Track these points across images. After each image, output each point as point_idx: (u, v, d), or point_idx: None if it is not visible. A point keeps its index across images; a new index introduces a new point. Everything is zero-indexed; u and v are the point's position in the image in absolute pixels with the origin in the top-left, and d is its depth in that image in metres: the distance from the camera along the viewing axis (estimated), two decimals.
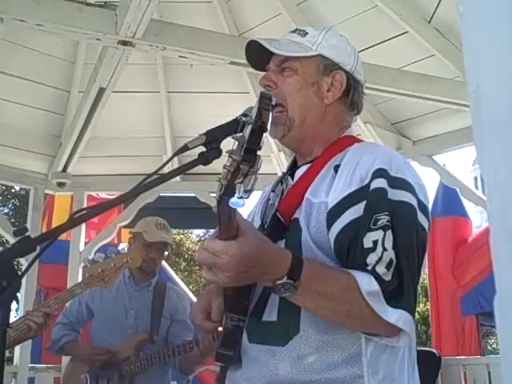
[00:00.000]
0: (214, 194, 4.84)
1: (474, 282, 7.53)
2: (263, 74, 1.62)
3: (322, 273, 1.28)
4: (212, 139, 1.38)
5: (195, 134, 4.81)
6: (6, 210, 18.38)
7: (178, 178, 4.94)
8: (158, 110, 5.06)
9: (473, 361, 5.10)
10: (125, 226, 5.84)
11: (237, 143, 1.12)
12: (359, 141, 1.56)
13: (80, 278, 5.18)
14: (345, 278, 1.27)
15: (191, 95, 5.02)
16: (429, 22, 4.03)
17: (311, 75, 1.54)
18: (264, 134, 1.14)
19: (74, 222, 1.14)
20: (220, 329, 1.47)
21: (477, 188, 16.27)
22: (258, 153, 1.13)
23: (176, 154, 1.36)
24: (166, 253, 3.65)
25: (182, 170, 1.34)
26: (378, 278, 1.26)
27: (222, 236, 1.21)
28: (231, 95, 4.96)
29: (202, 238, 22.51)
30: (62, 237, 8.38)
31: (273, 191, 1.64)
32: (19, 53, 4.58)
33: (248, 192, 1.12)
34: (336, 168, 1.43)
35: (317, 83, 1.54)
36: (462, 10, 0.66)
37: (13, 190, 17.20)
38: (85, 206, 5.40)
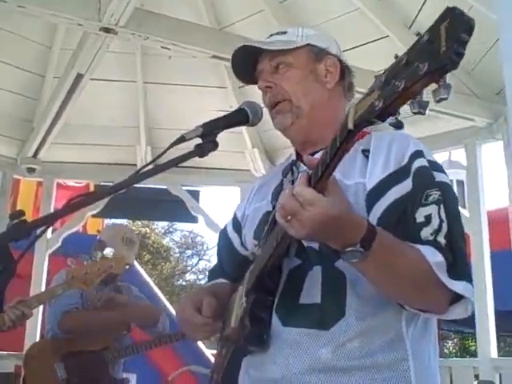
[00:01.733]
0: (185, 188, 4.80)
1: None
2: None
3: (393, 245, 1.25)
4: (208, 132, 1.37)
5: (170, 126, 4.78)
6: None
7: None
8: (133, 100, 5.01)
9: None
10: (93, 215, 5.78)
11: (402, 64, 0.91)
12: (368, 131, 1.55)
13: (45, 266, 5.13)
14: (413, 251, 1.25)
15: (168, 87, 4.98)
16: (409, 28, 4.08)
17: (306, 64, 1.56)
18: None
19: (69, 208, 1.13)
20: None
21: None
22: None
23: (172, 145, 1.35)
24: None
25: (177, 161, 1.33)
26: (440, 248, 1.26)
27: (316, 184, 1.14)
28: (209, 89, 4.95)
29: (168, 231, 22.42)
30: None
31: (285, 177, 1.57)
32: None
33: (440, 101, 0.90)
34: (364, 152, 1.43)
35: (314, 71, 1.56)
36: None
37: None
38: (53, 193, 5.34)
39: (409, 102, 0.93)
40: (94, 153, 5.21)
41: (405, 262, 1.24)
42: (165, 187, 5.39)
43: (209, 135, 1.37)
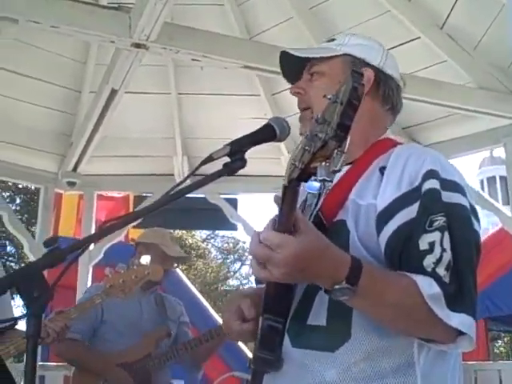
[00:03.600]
0: (223, 196, 4.84)
1: (482, 287, 7.53)
2: None
3: (382, 277, 1.23)
4: (236, 149, 1.37)
5: (205, 135, 4.83)
6: (14, 207, 18.44)
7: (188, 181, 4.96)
8: (168, 111, 5.07)
9: (485, 366, 5.09)
10: (134, 226, 5.86)
11: (316, 125, 1.04)
12: (400, 143, 1.53)
13: (90, 278, 5.22)
14: (405, 282, 1.22)
15: (201, 97, 5.03)
16: (441, 28, 4.03)
17: (338, 74, 1.52)
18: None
19: (102, 232, 1.16)
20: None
21: (483, 191, 16.23)
22: None
23: (200, 165, 1.36)
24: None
25: (206, 180, 1.34)
26: (438, 280, 1.22)
27: (281, 228, 1.15)
28: (242, 97, 4.98)
29: (209, 237, 22.56)
30: (69, 234, 8.41)
31: (323, 180, 1.58)
32: (31, 53, 4.61)
33: (334, 173, 1.03)
34: (381, 170, 1.39)
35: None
36: None
37: (20, 186, 17.19)
38: (94, 205, 5.44)
39: (321, 165, 1.03)
40: (131, 164, 5.30)
41: (396, 296, 1.22)
42: (203, 196, 5.44)
43: (237, 153, 1.38)
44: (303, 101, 1.56)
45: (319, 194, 1.49)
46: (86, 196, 5.41)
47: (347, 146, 1.03)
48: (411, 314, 1.23)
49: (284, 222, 1.16)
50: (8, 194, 18.52)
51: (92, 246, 5.26)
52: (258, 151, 1.46)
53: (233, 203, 5.56)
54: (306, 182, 1.09)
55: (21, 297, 1.01)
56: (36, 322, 1.02)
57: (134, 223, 5.31)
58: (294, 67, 1.61)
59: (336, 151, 1.02)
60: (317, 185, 1.08)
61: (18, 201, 19.05)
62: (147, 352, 3.36)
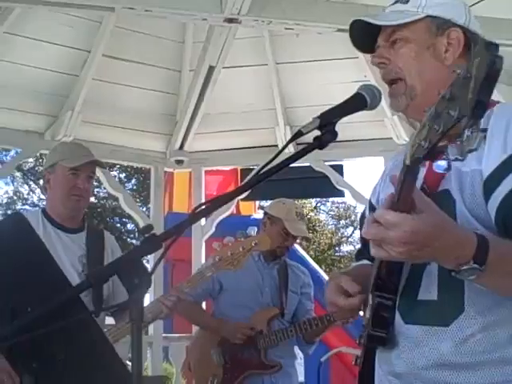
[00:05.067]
0: (328, 163, 4.78)
1: None
2: None
3: (507, 250, 1.19)
4: (326, 122, 1.35)
5: (306, 103, 4.78)
6: (130, 186, 19.30)
7: (291, 149, 4.96)
8: (267, 83, 5.05)
9: None
10: (243, 199, 5.97)
11: (442, 101, 0.99)
12: (497, 102, 1.44)
13: (203, 252, 5.38)
14: None
15: (299, 64, 4.96)
16: None
17: (424, 39, 1.46)
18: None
19: (195, 216, 1.18)
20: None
21: None
22: None
23: (290, 140, 1.35)
24: None
25: (297, 156, 1.33)
26: None
27: (398, 207, 1.12)
28: (340, 61, 4.87)
29: (319, 203, 22.55)
30: (184, 210, 8.69)
31: (455, 159, 1.53)
32: (131, 38, 4.74)
33: (469, 152, 0.99)
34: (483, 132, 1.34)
35: (432, 46, 1.45)
36: None
37: (135, 166, 17.95)
38: (203, 181, 5.57)
39: (452, 145, 1.00)
40: (235, 139, 5.35)
41: None
42: (308, 165, 5.41)
43: (327, 126, 1.35)
44: (390, 71, 1.48)
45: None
46: (195, 173, 5.54)
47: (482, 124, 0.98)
48: None
49: (402, 202, 1.11)
50: (124, 175, 19.40)
51: (203, 221, 5.40)
52: (361, 115, 1.43)
53: (338, 169, 5.51)
54: (431, 161, 1.07)
55: (123, 284, 1.05)
56: (138, 307, 1.06)
57: (242, 196, 5.44)
58: (365, 34, 1.53)
59: (471, 129, 0.97)
60: (444, 164, 1.06)
61: (133, 181, 19.91)
62: (258, 329, 3.41)
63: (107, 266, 1.04)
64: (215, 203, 1.21)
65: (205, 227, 5.38)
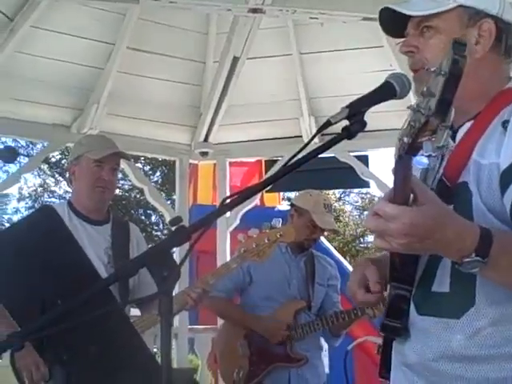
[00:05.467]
0: (353, 154, 4.74)
1: None
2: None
3: None
4: (355, 112, 1.32)
5: (330, 94, 4.74)
6: (155, 178, 19.41)
7: (316, 139, 4.94)
8: (291, 73, 5.02)
9: None
10: (267, 191, 5.95)
11: (422, 98, 1.04)
12: None
13: (228, 244, 5.38)
14: None
15: (324, 54, 4.92)
16: None
17: (455, 30, 1.41)
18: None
19: (223, 209, 1.17)
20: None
21: None
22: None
23: (319, 131, 1.33)
24: None
25: (325, 147, 1.31)
26: None
27: (396, 200, 1.13)
28: (365, 51, 4.82)
29: (343, 194, 22.46)
30: (208, 202, 8.72)
31: (429, 156, 1.52)
32: (155, 30, 4.75)
33: (440, 149, 1.05)
34: (504, 124, 1.30)
35: (463, 37, 1.41)
36: None
37: (160, 159, 18.05)
38: (227, 172, 5.57)
39: (427, 140, 1.03)
40: (260, 130, 5.34)
41: None
42: (333, 155, 5.38)
43: (355, 115, 1.33)
44: (418, 60, 1.45)
45: (442, 156, 1.41)
46: (219, 164, 5.54)
47: (451, 119, 1.02)
48: None
49: (399, 195, 1.13)
50: (149, 167, 19.51)
51: (228, 213, 5.40)
52: (387, 105, 1.40)
53: (364, 160, 5.46)
54: (415, 156, 1.08)
55: (152, 276, 1.05)
56: (167, 300, 1.06)
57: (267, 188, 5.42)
58: (394, 20, 1.48)
59: (439, 126, 1.00)
60: (425, 160, 1.09)
61: (158, 173, 20.02)
62: (285, 322, 3.39)
63: (136, 259, 1.04)
64: (242, 195, 1.20)
65: (229, 219, 5.38)
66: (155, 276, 1.05)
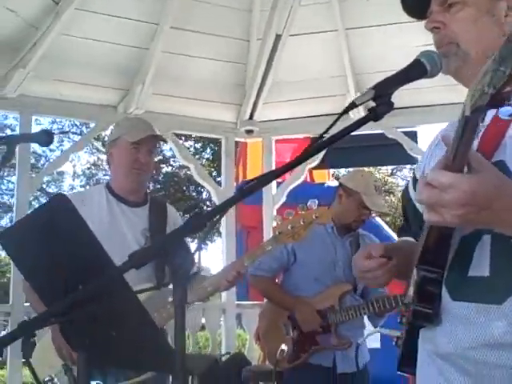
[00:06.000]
0: (401, 130, 4.59)
1: None
2: None
3: None
4: (382, 93, 1.28)
5: (376, 69, 4.62)
6: (206, 156, 19.54)
7: (362, 113, 4.84)
8: (337, 49, 4.94)
9: None
10: (313, 168, 5.91)
11: (507, 42, 0.94)
12: None
13: (273, 220, 5.37)
14: None
15: (370, 29, 4.82)
16: None
17: (484, 3, 1.36)
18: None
19: (241, 194, 1.15)
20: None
21: None
22: None
23: (344, 112, 1.30)
24: None
25: (351, 129, 1.27)
26: None
27: (454, 166, 1.04)
28: (411, 25, 4.66)
29: (396, 169, 22.13)
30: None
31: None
32: (198, 9, 4.73)
33: None
34: None
35: (491, 10, 1.35)
36: None
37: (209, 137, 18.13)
38: (273, 150, 5.54)
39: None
40: (305, 107, 5.28)
41: None
42: (381, 132, 5.28)
43: (382, 96, 1.28)
44: (444, 36, 1.39)
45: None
46: (265, 142, 5.52)
47: None
48: None
49: (458, 161, 1.04)
50: (200, 145, 19.63)
51: (274, 190, 5.39)
52: (435, 79, 1.38)
53: (412, 136, 5.34)
54: (496, 108, 1.01)
55: (167, 265, 1.04)
56: (181, 291, 1.04)
57: (313, 164, 5.37)
58: (418, 1, 1.44)
59: None
60: (510, 109, 1.00)
61: (208, 150, 20.13)
62: (329, 304, 3.36)
63: (149, 248, 1.03)
64: (260, 181, 1.17)
65: (276, 196, 5.38)
66: (169, 265, 1.03)
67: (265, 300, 4.01)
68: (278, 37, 3.94)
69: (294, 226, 2.50)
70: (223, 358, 4.71)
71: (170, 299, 2.38)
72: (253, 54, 5.00)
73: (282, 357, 3.24)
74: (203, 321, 5.31)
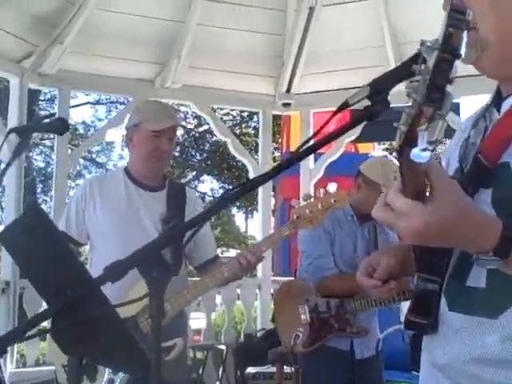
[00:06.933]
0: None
1: None
2: None
3: None
4: (378, 90, 1.20)
5: (418, 38, 4.45)
6: (249, 130, 19.42)
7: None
8: (375, 18, 4.79)
9: None
10: (352, 141, 5.81)
11: (420, 77, 0.92)
12: None
13: (312, 194, 5.32)
14: None
15: None
16: None
17: None
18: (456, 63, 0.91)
19: (248, 185, 1.11)
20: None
21: None
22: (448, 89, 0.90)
23: (337, 111, 1.23)
24: None
25: (347, 128, 1.21)
26: None
27: (407, 192, 1.00)
28: None
29: None
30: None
31: (474, 127, 1.35)
32: None
33: (433, 143, 0.91)
34: None
35: None
36: None
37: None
38: (311, 123, 5.45)
39: (422, 132, 0.90)
40: (343, 78, 5.15)
41: None
42: None
43: (378, 94, 1.21)
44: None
45: (485, 129, 1.26)
46: (302, 115, 5.44)
47: (450, 105, 0.88)
48: None
49: (409, 186, 1.00)
50: (247, 113, 19.52)
51: (312, 164, 5.33)
52: None
53: (455, 108, 5.17)
54: (413, 147, 0.94)
55: (143, 277, 1.03)
56: (157, 302, 1.03)
57: (352, 138, 5.26)
58: None
59: (435, 115, 0.87)
60: (423, 154, 0.94)
61: (255, 118, 20.01)
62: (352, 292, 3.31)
63: (126, 260, 1.01)
64: (266, 175, 1.13)
65: (313, 170, 5.32)
66: (145, 276, 1.02)
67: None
68: (312, 9, 3.84)
69: (311, 211, 2.45)
70: (258, 334, 4.74)
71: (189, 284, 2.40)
72: (290, 24, 4.90)
73: (295, 342, 3.23)
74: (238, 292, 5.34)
